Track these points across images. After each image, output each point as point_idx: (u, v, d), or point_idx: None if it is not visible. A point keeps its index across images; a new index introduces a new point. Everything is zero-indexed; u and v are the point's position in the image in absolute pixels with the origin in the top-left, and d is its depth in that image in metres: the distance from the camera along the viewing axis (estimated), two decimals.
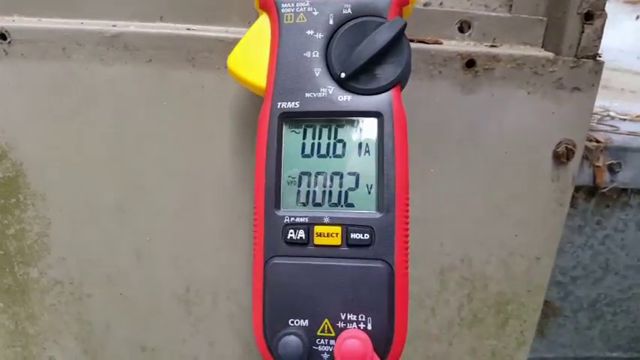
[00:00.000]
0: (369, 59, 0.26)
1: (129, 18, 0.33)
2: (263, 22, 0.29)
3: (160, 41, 0.33)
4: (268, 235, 0.26)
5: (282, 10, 0.28)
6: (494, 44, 0.35)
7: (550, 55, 0.34)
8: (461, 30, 0.35)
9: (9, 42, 0.33)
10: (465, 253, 0.38)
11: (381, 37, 0.26)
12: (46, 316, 0.39)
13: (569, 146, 0.35)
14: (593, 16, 0.33)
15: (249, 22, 0.34)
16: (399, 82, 0.26)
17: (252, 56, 0.28)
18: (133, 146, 0.35)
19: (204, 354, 0.40)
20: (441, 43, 0.34)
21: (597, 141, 0.40)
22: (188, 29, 0.33)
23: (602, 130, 0.41)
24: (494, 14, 0.35)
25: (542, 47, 0.35)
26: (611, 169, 0.41)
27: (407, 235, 0.26)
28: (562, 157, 0.35)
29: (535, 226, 0.37)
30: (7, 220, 0.37)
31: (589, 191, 0.42)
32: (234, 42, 0.32)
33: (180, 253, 0.37)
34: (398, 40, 0.26)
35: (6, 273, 0.38)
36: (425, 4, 0.34)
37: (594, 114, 0.48)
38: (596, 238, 0.44)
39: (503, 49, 0.34)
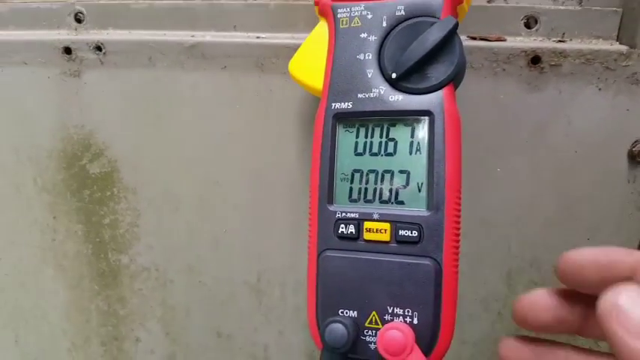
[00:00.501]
0: (419, 59, 0.27)
1: (206, 28, 0.39)
2: (321, 28, 0.32)
3: (232, 49, 0.37)
4: (321, 229, 0.29)
5: (338, 15, 0.31)
6: (562, 39, 0.36)
7: (623, 48, 0.34)
8: (527, 26, 0.36)
9: (104, 53, 0.39)
10: (533, 257, 0.39)
11: (432, 36, 0.27)
12: (135, 300, 0.46)
13: None
14: None
15: (312, 27, 0.37)
16: (451, 82, 0.28)
17: (310, 60, 0.32)
18: (212, 145, 0.40)
19: (273, 342, 0.45)
20: (504, 40, 0.36)
21: None
22: (257, 37, 0.38)
23: None
24: (562, 8, 0.36)
25: (616, 40, 0.36)
26: None
27: (457, 234, 0.27)
28: (638, 156, 0.36)
29: (609, 231, 0.38)
30: (102, 211, 0.44)
31: None
32: (298, 48, 0.36)
33: (253, 245, 0.42)
34: (449, 40, 0.27)
35: (101, 259, 0.45)
36: (489, 1, 0.36)
37: None
38: None
39: (571, 44, 0.35)
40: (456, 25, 0.27)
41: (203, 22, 0.39)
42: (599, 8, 0.35)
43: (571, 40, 0.36)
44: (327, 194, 0.29)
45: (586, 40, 0.36)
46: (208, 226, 0.42)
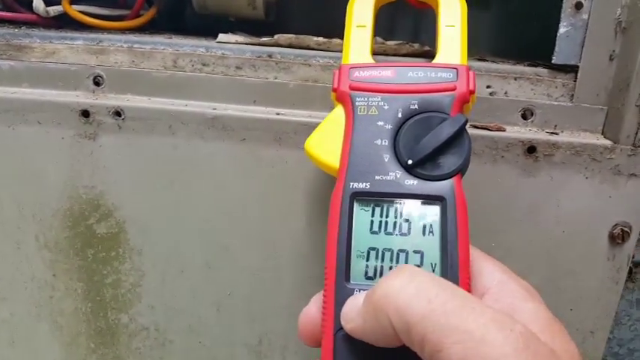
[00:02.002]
0: (433, 149, 0.30)
1: (226, 101, 0.40)
2: (338, 112, 0.34)
3: (253, 124, 0.39)
4: (338, 307, 0.29)
5: (357, 103, 0.33)
6: (554, 131, 0.40)
7: (608, 143, 0.39)
8: (524, 117, 0.40)
9: (123, 118, 0.40)
10: None
11: (445, 130, 0.30)
12: (132, 359, 0.46)
13: (625, 228, 0.40)
14: None
15: (329, 107, 0.40)
16: (460, 171, 0.31)
17: (327, 141, 0.34)
18: (224, 211, 0.41)
19: None
20: (504, 130, 0.39)
21: None
22: (277, 114, 0.40)
23: None
24: (556, 103, 0.40)
25: (601, 134, 0.40)
26: None
27: None
28: (617, 238, 0.40)
29: (590, 302, 0.41)
30: (106, 271, 0.44)
31: None
32: (315, 125, 0.38)
33: (256, 307, 0.43)
34: (460, 135, 0.30)
35: (100, 317, 0.45)
36: (491, 94, 0.40)
37: None
38: None
39: (563, 137, 0.39)
40: (466, 122, 0.30)
41: (224, 95, 0.40)
42: (587, 105, 0.39)
43: (562, 131, 0.40)
44: (344, 271, 0.30)
45: (575, 132, 0.40)
46: (213, 288, 0.43)
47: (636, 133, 0.38)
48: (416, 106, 0.32)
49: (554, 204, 0.40)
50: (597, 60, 0.39)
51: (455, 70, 0.32)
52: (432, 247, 0.30)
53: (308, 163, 0.39)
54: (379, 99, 0.32)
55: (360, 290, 0.30)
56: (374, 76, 0.33)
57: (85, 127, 0.41)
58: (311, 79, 0.40)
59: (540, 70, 0.40)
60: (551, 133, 0.40)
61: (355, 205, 0.31)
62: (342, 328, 0.29)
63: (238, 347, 0.44)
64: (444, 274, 0.29)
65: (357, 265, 0.30)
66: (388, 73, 0.33)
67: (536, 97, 0.40)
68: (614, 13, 0.38)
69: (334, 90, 0.34)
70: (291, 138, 0.39)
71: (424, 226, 0.30)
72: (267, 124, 0.39)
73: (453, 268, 0.29)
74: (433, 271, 0.30)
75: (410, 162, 0.31)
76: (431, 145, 0.30)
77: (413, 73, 0.33)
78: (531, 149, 0.39)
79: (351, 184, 0.31)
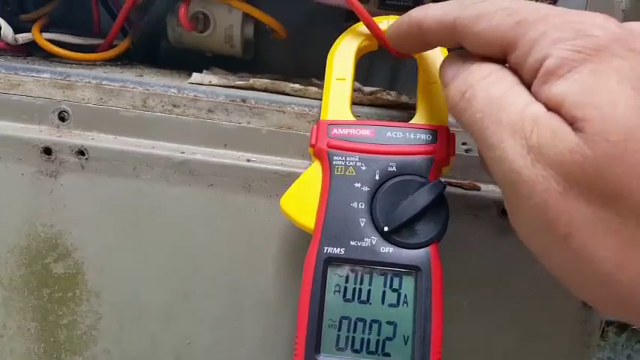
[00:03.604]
0: (410, 217, 0.29)
1: (196, 143, 0.39)
2: (315, 169, 0.33)
3: (221, 169, 0.37)
4: None
5: (334, 162, 0.32)
6: None
7: None
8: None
9: (86, 158, 0.38)
10: None
11: (423, 198, 0.29)
12: None
13: None
14: None
15: (302, 154, 0.38)
16: (437, 240, 0.30)
17: (303, 200, 0.32)
18: (187, 258, 0.39)
19: None
20: (478, 189, 0.38)
21: None
22: (248, 160, 0.38)
23: None
24: None
25: None
26: None
27: None
28: None
29: None
30: (61, 312, 0.41)
31: (620, 326, 0.44)
32: (287, 174, 0.37)
33: (217, 358, 0.41)
34: (438, 202, 0.30)
35: (53, 359, 0.42)
36: (466, 151, 0.39)
37: None
38: None
39: None
40: (444, 188, 0.30)
41: (194, 138, 0.39)
42: None
43: None
44: (315, 342, 0.29)
45: None
46: (172, 336, 0.41)
47: None
48: (394, 169, 0.31)
49: (528, 265, 0.38)
50: None
51: (434, 131, 0.31)
52: (405, 318, 0.29)
53: (278, 212, 0.37)
54: (357, 159, 0.31)
55: None
56: (352, 135, 0.32)
57: (47, 164, 0.38)
58: (285, 125, 0.38)
59: None
60: None
61: (329, 270, 0.30)
62: None
63: None
64: (417, 348, 0.28)
65: (329, 335, 0.29)
66: (367, 132, 0.32)
67: None
68: None
69: (312, 146, 0.33)
70: (261, 186, 0.38)
71: (399, 297, 0.29)
72: (237, 170, 0.37)
73: (425, 342, 0.28)
74: (405, 344, 0.28)
75: (386, 229, 0.29)
76: (408, 213, 0.29)
77: (392, 134, 0.32)
78: (505, 211, 0.37)
79: (326, 248, 0.30)
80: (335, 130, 0.33)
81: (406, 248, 0.30)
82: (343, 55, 0.36)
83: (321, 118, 0.34)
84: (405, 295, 0.29)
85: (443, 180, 0.36)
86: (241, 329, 0.40)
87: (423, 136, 0.31)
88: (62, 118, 0.39)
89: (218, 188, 0.38)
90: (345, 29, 0.37)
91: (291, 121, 0.38)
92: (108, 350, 0.42)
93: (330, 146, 0.32)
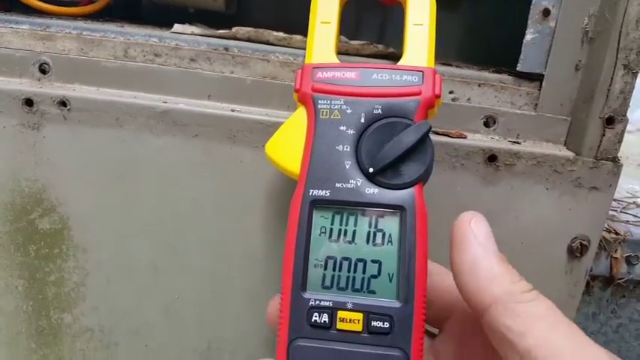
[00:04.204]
0: (395, 158, 0.29)
1: (178, 94, 0.38)
2: (300, 115, 0.32)
3: (205, 119, 0.37)
4: (293, 317, 0.28)
5: (319, 106, 0.31)
6: (517, 140, 0.38)
7: (570, 155, 0.37)
8: (486, 125, 0.38)
9: (68, 109, 0.37)
10: None
11: (408, 138, 0.29)
12: None
13: (584, 242, 0.38)
14: (614, 120, 0.36)
15: (287, 105, 0.38)
16: (422, 180, 0.29)
17: (288, 145, 0.32)
18: (173, 211, 0.39)
19: None
20: (464, 137, 0.38)
21: (617, 233, 0.42)
22: (232, 110, 0.37)
23: (623, 221, 0.44)
24: (519, 112, 0.38)
25: (564, 145, 0.38)
26: (629, 261, 0.43)
27: (423, 326, 0.28)
28: (576, 251, 0.38)
29: None
30: (48, 268, 0.41)
31: (606, 280, 0.44)
32: (272, 124, 0.36)
33: (205, 312, 0.41)
34: (423, 142, 0.29)
35: (42, 316, 0.42)
36: (453, 99, 0.38)
37: (618, 200, 0.51)
38: (610, 327, 0.46)
39: (525, 147, 0.37)
40: (430, 129, 0.29)
41: (176, 88, 0.38)
42: (551, 115, 0.38)
43: (524, 141, 0.38)
44: (301, 281, 0.29)
45: (537, 142, 0.38)
46: (160, 291, 0.41)
47: (599, 146, 0.37)
48: (379, 111, 0.30)
49: (513, 215, 0.38)
50: (563, 69, 0.37)
51: (421, 73, 0.30)
52: (390, 256, 0.28)
53: (264, 163, 0.37)
54: (342, 102, 0.31)
55: (315, 300, 0.28)
56: (337, 78, 0.31)
57: (29, 116, 0.38)
58: (269, 75, 0.38)
59: (505, 77, 0.38)
60: (513, 142, 0.38)
61: (314, 212, 0.30)
62: (296, 337, 0.28)
63: (186, 352, 0.42)
64: (402, 285, 0.28)
65: (314, 275, 0.29)
66: (352, 75, 0.31)
67: (499, 105, 0.38)
68: (582, 22, 0.36)
69: (296, 91, 0.32)
70: (246, 136, 0.37)
71: (383, 236, 0.29)
72: (222, 120, 0.37)
73: (409, 278, 0.27)
74: (390, 281, 0.28)
75: (371, 170, 0.29)
76: (393, 153, 0.28)
77: (377, 76, 0.31)
78: (492, 158, 0.37)
79: (311, 191, 0.29)
80: (319, 74, 0.32)
81: (391, 189, 0.29)
82: None
83: (306, 61, 0.33)
84: (390, 235, 0.29)
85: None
86: (229, 282, 0.40)
87: (409, 78, 0.30)
88: (43, 71, 0.38)
89: (202, 139, 0.37)
90: None
91: (275, 71, 0.38)
92: (96, 307, 0.42)
93: (314, 89, 0.32)
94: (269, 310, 0.31)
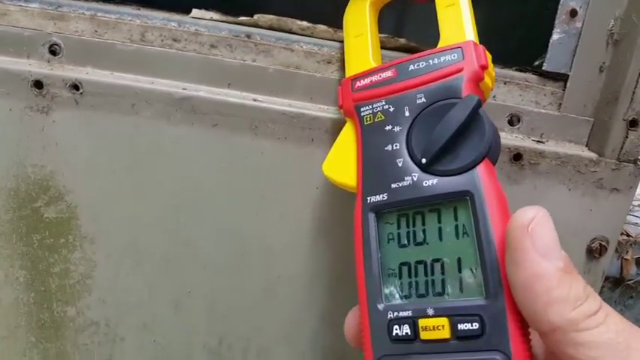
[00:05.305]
0: (446, 140, 0.26)
1: (197, 81, 0.36)
2: (349, 129, 0.31)
3: (227, 108, 0.35)
4: (374, 333, 0.26)
5: (362, 114, 0.30)
6: (541, 139, 0.37)
7: (593, 155, 0.36)
8: (510, 123, 0.37)
9: (81, 93, 0.35)
10: None
11: (456, 116, 0.26)
12: (77, 356, 0.41)
13: (603, 243, 0.38)
14: (638, 123, 0.36)
15: (310, 97, 0.36)
16: (484, 158, 0.26)
17: (343, 161, 0.30)
18: (188, 202, 0.37)
19: None
20: None
21: (628, 235, 0.42)
22: (254, 100, 0.35)
23: (633, 224, 0.43)
24: (543, 111, 0.37)
25: (586, 146, 0.38)
26: (639, 263, 0.43)
27: (520, 320, 0.23)
28: (595, 252, 0.38)
29: None
30: (52, 259, 0.38)
31: (615, 281, 0.44)
32: (295, 116, 0.35)
33: (218, 307, 0.39)
34: (475, 117, 0.26)
35: (44, 309, 0.40)
36: None
37: None
38: None
39: (549, 146, 0.36)
40: (479, 102, 0.26)
41: (195, 75, 0.36)
42: (574, 116, 0.37)
43: (548, 140, 0.37)
44: (376, 293, 0.26)
45: (560, 142, 0.37)
46: (171, 284, 0.39)
47: (621, 148, 0.36)
48: (423, 100, 0.28)
49: None
50: (587, 70, 0.37)
51: (459, 49, 0.28)
52: (468, 250, 0.25)
53: (285, 155, 0.35)
54: (383, 103, 0.29)
55: (394, 312, 0.26)
56: (375, 81, 0.30)
57: (38, 99, 0.35)
58: (293, 65, 0.36)
59: (529, 76, 0.37)
60: (538, 141, 0.37)
61: (378, 220, 0.28)
62: (381, 356, 0.25)
63: (196, 348, 0.40)
64: (488, 276, 0.24)
65: (389, 285, 0.27)
66: (389, 74, 0.30)
67: (524, 104, 0.37)
68: (607, 24, 0.36)
69: (340, 107, 0.31)
70: (268, 127, 0.35)
71: (456, 228, 0.26)
72: (243, 110, 0.35)
73: (493, 270, 0.24)
74: (474, 277, 0.25)
75: (424, 160, 0.27)
76: (443, 136, 0.26)
77: (414, 66, 0.29)
78: (517, 157, 0.36)
79: (369, 198, 0.28)
80: (358, 83, 0.31)
81: (451, 175, 0.26)
82: (357, 14, 0.34)
83: (346, 75, 0.32)
84: (463, 225, 0.25)
85: None
86: (244, 277, 0.38)
87: (448, 58, 0.28)
88: (53, 52, 0.36)
89: (222, 129, 0.35)
90: None
91: (299, 60, 0.36)
92: (103, 300, 0.39)
93: (355, 100, 0.30)
94: (347, 327, 0.29)
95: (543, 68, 0.37)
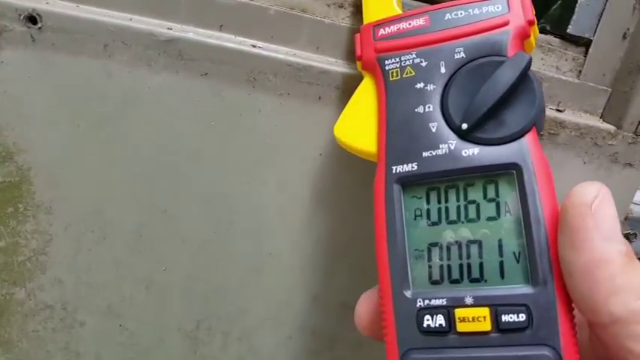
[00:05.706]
0: (493, 104, 0.23)
1: (185, 21, 0.30)
2: (367, 85, 0.27)
3: (220, 54, 0.29)
4: (400, 323, 0.22)
5: (387, 67, 0.25)
6: (559, 108, 0.35)
7: (612, 128, 0.34)
8: None
9: (39, 27, 0.28)
10: None
11: (505, 76, 0.23)
12: (25, 344, 0.34)
13: None
14: None
15: (317, 47, 0.31)
16: (534, 125, 0.23)
17: (360, 122, 0.26)
18: (167, 165, 0.31)
19: None
20: None
21: None
22: (254, 46, 0.30)
23: None
24: (563, 78, 0.34)
25: (600, 117, 0.35)
26: (628, 238, 0.42)
27: (571, 312, 0.21)
28: None
29: None
30: None
31: None
32: (302, 68, 0.30)
33: (197, 287, 0.34)
34: (525, 79, 0.23)
35: None
36: None
37: None
38: None
39: (569, 116, 0.34)
40: (530, 62, 0.23)
41: (182, 13, 0.30)
42: (593, 85, 0.35)
43: (565, 110, 0.35)
44: (402, 278, 0.23)
45: (577, 112, 0.35)
46: (143, 261, 0.33)
47: None
48: (462, 55, 0.24)
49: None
50: (610, 36, 0.34)
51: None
52: (512, 230, 0.22)
53: (287, 115, 0.30)
54: (414, 55, 0.25)
55: (424, 300, 0.22)
56: (403, 30, 0.26)
57: None
58: (298, 7, 0.31)
59: (552, 38, 0.34)
60: (557, 110, 0.34)
61: (404, 193, 0.24)
62: (409, 349, 0.22)
63: (170, 332, 0.35)
64: (535, 262, 0.21)
65: (417, 268, 0.23)
66: (421, 22, 0.25)
67: (545, 69, 0.34)
68: None
69: (358, 58, 0.27)
70: (269, 80, 0.30)
71: (498, 206, 0.23)
72: (240, 57, 0.30)
73: (542, 254, 0.21)
74: (518, 261, 0.22)
75: (465, 126, 0.23)
76: (490, 99, 0.23)
77: (451, 15, 0.25)
78: None
79: (394, 168, 0.24)
80: (382, 31, 0.26)
81: (496, 145, 0.23)
82: None
83: (364, 22, 0.27)
84: (506, 203, 0.22)
85: None
86: (229, 253, 0.33)
87: (491, 8, 0.24)
88: None
89: (213, 79, 0.30)
90: None
91: (305, 2, 0.31)
92: (59, 280, 0.33)
93: (378, 50, 0.26)
94: (359, 313, 0.25)
95: (568, 31, 0.34)
